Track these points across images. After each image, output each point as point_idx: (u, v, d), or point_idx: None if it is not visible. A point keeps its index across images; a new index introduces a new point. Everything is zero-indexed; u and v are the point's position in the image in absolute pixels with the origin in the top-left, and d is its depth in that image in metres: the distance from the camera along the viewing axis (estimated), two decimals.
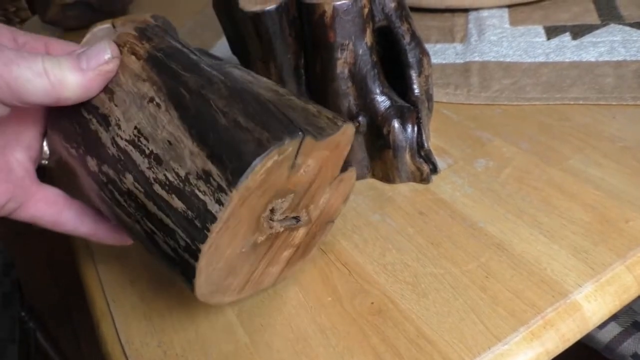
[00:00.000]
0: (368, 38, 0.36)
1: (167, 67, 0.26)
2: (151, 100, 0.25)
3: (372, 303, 0.30)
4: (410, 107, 0.38)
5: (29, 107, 0.27)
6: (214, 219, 0.22)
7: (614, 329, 0.60)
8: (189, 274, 0.24)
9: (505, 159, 0.39)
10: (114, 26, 0.53)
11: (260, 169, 0.23)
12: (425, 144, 0.38)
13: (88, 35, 0.51)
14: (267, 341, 0.30)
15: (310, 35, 0.36)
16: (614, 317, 0.60)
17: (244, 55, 0.44)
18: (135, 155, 0.25)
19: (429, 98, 0.40)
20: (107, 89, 0.26)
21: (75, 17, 0.75)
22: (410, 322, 0.29)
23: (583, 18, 0.57)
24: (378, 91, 0.37)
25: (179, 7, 0.82)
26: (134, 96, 0.26)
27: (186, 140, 0.24)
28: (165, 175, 0.24)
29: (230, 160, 0.22)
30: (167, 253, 0.25)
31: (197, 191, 0.23)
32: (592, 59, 0.49)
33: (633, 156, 0.38)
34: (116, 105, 0.26)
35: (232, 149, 0.23)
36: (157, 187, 0.24)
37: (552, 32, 0.55)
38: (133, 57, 0.27)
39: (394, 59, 0.39)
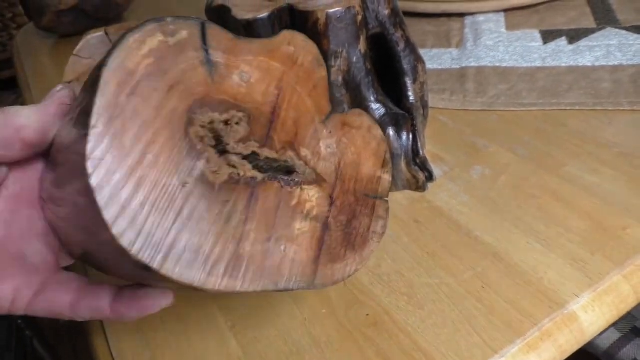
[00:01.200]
0: (362, 45, 0.36)
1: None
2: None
3: (368, 315, 0.30)
4: (405, 115, 0.38)
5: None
6: (90, 106, 0.19)
7: (613, 335, 0.60)
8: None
9: (501, 166, 0.39)
10: (107, 34, 0.53)
11: (138, 48, 0.20)
12: (421, 152, 0.38)
13: (81, 43, 0.51)
14: (261, 354, 0.29)
15: None
16: (614, 323, 0.59)
17: None
18: None
19: (425, 105, 0.39)
20: None
21: (70, 23, 0.75)
22: (406, 334, 0.28)
23: (579, 22, 0.56)
24: (372, 99, 0.37)
25: (173, 14, 0.82)
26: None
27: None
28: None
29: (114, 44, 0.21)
30: None
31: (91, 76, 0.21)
32: (589, 64, 0.49)
33: (629, 162, 0.37)
34: None
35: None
36: None
37: (548, 36, 0.55)
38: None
39: (388, 66, 0.38)
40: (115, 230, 0.19)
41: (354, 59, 0.36)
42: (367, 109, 0.37)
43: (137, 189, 0.20)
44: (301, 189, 0.25)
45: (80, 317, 0.25)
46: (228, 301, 0.32)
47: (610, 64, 0.48)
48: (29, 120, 0.23)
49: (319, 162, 0.25)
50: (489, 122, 0.44)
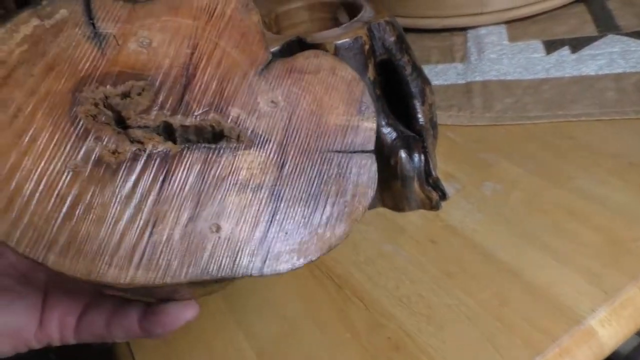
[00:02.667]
0: (370, 73, 0.37)
1: None
2: None
3: (389, 338, 0.31)
4: (415, 137, 0.39)
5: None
6: None
7: (633, 341, 0.60)
8: None
9: (512, 182, 0.40)
10: None
11: (10, 37, 0.20)
12: (433, 172, 0.39)
13: None
14: None
15: None
16: None
17: None
18: None
19: (434, 126, 0.40)
20: None
21: None
22: (428, 356, 0.29)
23: (581, 30, 0.57)
24: (383, 123, 0.38)
25: None
26: None
27: None
28: None
29: None
30: None
31: None
32: (592, 73, 0.50)
33: (638, 172, 0.38)
34: None
35: None
36: None
37: (550, 46, 0.56)
38: None
39: (396, 90, 0.39)
40: None
41: None
42: (378, 134, 0.38)
43: (21, 184, 0.19)
44: (234, 156, 0.21)
45: (116, 337, 0.25)
46: (254, 328, 0.33)
47: (613, 72, 0.49)
48: None
49: (258, 121, 0.22)
50: (497, 136, 0.45)
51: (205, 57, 0.22)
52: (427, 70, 0.50)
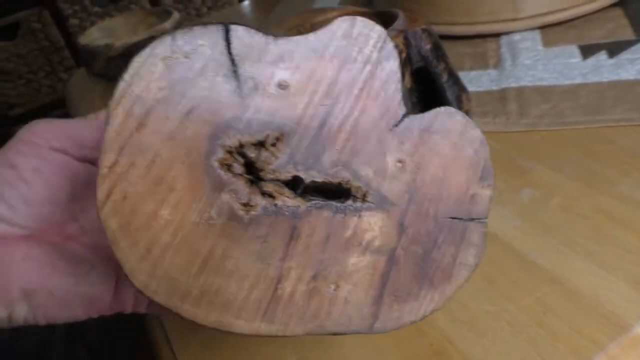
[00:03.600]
0: (407, 81, 0.37)
1: None
2: None
3: (431, 345, 0.31)
4: None
5: None
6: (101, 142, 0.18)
7: None
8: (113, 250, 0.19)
9: (551, 188, 0.40)
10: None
11: (147, 71, 0.18)
12: None
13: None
14: None
15: None
16: None
17: None
18: None
19: None
20: None
21: (119, 68, 0.80)
22: None
23: (618, 34, 0.56)
24: None
25: None
26: None
27: None
28: None
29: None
30: None
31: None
32: (632, 77, 0.49)
33: None
34: None
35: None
36: None
37: (587, 51, 0.55)
38: None
39: (433, 98, 0.39)
40: (136, 283, 0.18)
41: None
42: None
43: (158, 234, 0.18)
44: (359, 216, 0.21)
45: None
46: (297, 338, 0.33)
47: None
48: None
49: (384, 181, 0.21)
50: (534, 142, 0.45)
51: (342, 108, 0.20)
52: (461, 76, 0.50)
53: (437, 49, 0.38)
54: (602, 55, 0.54)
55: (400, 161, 0.21)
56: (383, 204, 0.21)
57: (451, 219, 0.21)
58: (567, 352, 0.28)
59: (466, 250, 0.22)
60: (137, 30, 0.85)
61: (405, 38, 0.37)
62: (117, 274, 0.26)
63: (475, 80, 0.56)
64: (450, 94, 0.39)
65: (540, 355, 0.29)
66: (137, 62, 0.18)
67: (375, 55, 0.20)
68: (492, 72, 0.57)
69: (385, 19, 0.42)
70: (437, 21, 0.64)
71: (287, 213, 0.20)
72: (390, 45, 0.21)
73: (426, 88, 0.39)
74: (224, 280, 0.19)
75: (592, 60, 0.53)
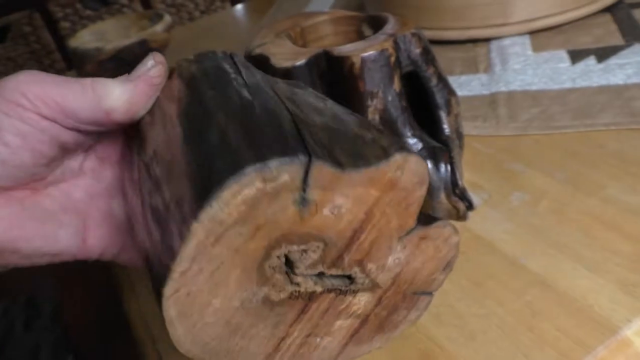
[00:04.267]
0: (396, 84, 0.37)
1: (197, 86, 0.25)
2: (171, 118, 0.24)
3: (419, 348, 0.30)
4: (442, 147, 0.39)
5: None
6: (173, 256, 0.20)
7: None
8: (166, 326, 0.21)
9: (540, 191, 0.40)
10: None
11: (233, 198, 0.19)
12: (460, 182, 0.39)
13: None
14: None
15: (341, 86, 0.37)
16: None
17: None
18: (145, 179, 0.24)
19: (460, 136, 0.40)
20: (151, 112, 0.26)
21: (110, 70, 0.79)
22: None
23: (606, 40, 0.57)
24: (409, 134, 0.38)
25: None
26: (163, 117, 0.25)
27: (181, 159, 0.22)
28: (156, 200, 0.22)
29: (200, 185, 0.20)
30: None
31: (171, 221, 0.21)
32: (620, 82, 0.49)
33: None
34: (151, 130, 0.25)
35: (208, 170, 0.20)
36: (149, 214, 0.23)
37: (576, 56, 0.56)
38: (179, 79, 0.26)
39: (422, 101, 0.40)
40: (181, 349, 0.22)
41: (390, 98, 0.37)
42: (404, 144, 0.38)
43: (204, 316, 0.22)
44: (354, 295, 0.25)
45: None
46: None
47: None
48: (118, 103, 0.25)
49: (381, 273, 0.25)
50: (523, 146, 0.45)
51: (372, 223, 0.23)
52: (451, 81, 0.50)
53: (426, 53, 0.38)
54: (591, 60, 0.54)
55: (397, 259, 0.25)
56: (374, 288, 0.25)
57: (413, 294, 0.26)
58: (555, 355, 0.28)
59: (414, 312, 0.27)
60: (128, 33, 0.85)
61: (395, 42, 0.37)
62: (85, 228, 0.27)
63: (465, 85, 0.56)
64: (439, 98, 0.39)
65: (528, 358, 0.28)
66: (227, 189, 0.19)
67: (413, 182, 0.23)
68: (483, 77, 0.57)
69: (375, 23, 0.42)
70: (428, 26, 0.64)
71: (305, 296, 0.24)
72: (424, 173, 0.23)
73: (416, 92, 0.39)
74: (245, 342, 0.23)
75: (581, 65, 0.54)
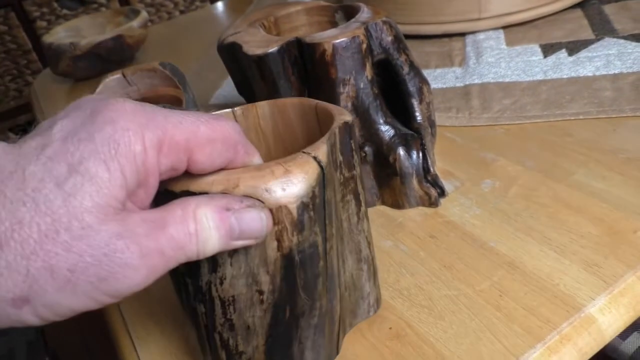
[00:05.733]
0: (368, 72, 0.38)
1: (293, 277, 0.25)
2: (260, 293, 0.25)
3: (390, 328, 0.31)
4: (414, 135, 0.39)
5: None
6: None
7: (637, 340, 0.59)
8: None
9: (511, 178, 0.40)
10: (124, 75, 0.55)
11: None
12: (431, 169, 0.39)
13: (100, 87, 0.53)
14: None
15: (313, 73, 0.38)
16: (636, 327, 0.59)
17: (249, 95, 0.45)
18: (218, 310, 0.26)
19: (432, 124, 0.41)
20: None
21: (85, 67, 0.78)
22: (429, 345, 0.29)
23: (578, 34, 0.58)
24: (381, 121, 0.39)
25: (182, 51, 0.85)
26: (250, 274, 0.25)
27: (259, 338, 0.26)
28: (228, 338, 0.26)
29: None
30: None
31: None
32: (590, 74, 0.51)
33: (637, 167, 0.38)
34: (231, 265, 0.24)
35: None
36: (216, 335, 0.26)
37: (548, 49, 0.57)
38: (275, 244, 0.24)
39: (395, 90, 0.40)
40: None
41: (362, 85, 0.38)
42: (377, 131, 0.39)
43: None
44: None
45: None
46: None
47: (610, 72, 0.50)
48: (202, 257, 0.23)
49: None
50: (495, 136, 0.46)
51: None
52: (426, 74, 0.51)
53: (398, 41, 0.39)
54: (562, 54, 0.55)
55: None
56: None
57: None
58: (521, 332, 0.29)
59: None
60: (104, 29, 0.84)
61: (367, 30, 0.38)
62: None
63: (440, 78, 0.57)
64: (411, 85, 0.39)
65: (495, 335, 0.29)
66: None
67: None
68: (457, 70, 0.58)
69: (348, 12, 0.43)
70: (405, 21, 0.65)
71: None
72: None
73: (388, 79, 0.40)
74: None
75: (552, 58, 0.55)
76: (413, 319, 0.31)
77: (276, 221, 0.23)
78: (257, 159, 0.25)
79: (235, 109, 0.31)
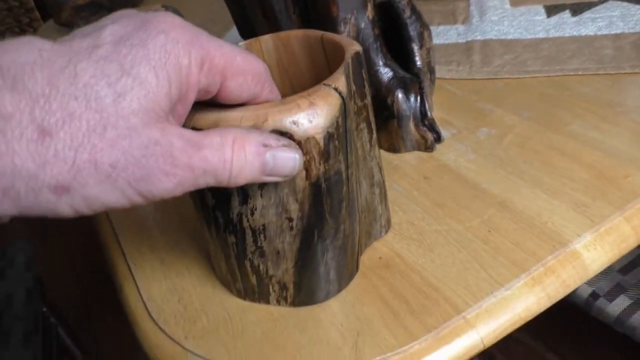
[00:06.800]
0: (369, 12, 0.38)
1: (321, 204, 0.26)
2: (290, 220, 0.26)
3: (380, 258, 0.31)
4: (412, 78, 0.39)
5: None
6: (268, 302, 0.29)
7: (623, 302, 0.61)
8: None
9: (507, 127, 0.41)
10: None
11: None
12: (429, 113, 0.40)
13: None
14: None
15: (314, 11, 0.38)
16: (623, 290, 0.60)
17: (252, 37, 0.45)
18: (249, 239, 0.27)
19: (431, 70, 0.41)
20: None
21: (87, 17, 0.78)
22: (417, 273, 0.30)
23: None
24: (381, 63, 0.39)
25: (186, 3, 0.85)
26: (280, 203, 0.25)
27: (289, 262, 0.28)
28: (258, 264, 0.28)
29: (304, 294, 0.29)
30: None
31: (271, 289, 0.29)
32: (591, 33, 0.51)
33: (632, 119, 0.39)
34: (261, 196, 0.25)
35: (309, 289, 0.29)
36: (247, 262, 0.28)
37: (552, 10, 0.56)
38: (303, 173, 0.25)
39: (396, 35, 0.40)
40: None
41: (362, 25, 0.38)
42: (376, 73, 0.39)
43: None
44: None
45: None
46: None
47: (612, 32, 0.50)
48: (233, 184, 0.23)
49: None
50: (495, 89, 0.46)
51: None
52: None
53: None
54: (565, 14, 0.55)
55: None
56: None
57: None
58: (507, 263, 0.30)
59: None
60: None
61: None
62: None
63: (442, 34, 0.57)
64: (412, 30, 0.39)
65: (481, 265, 0.30)
66: None
67: None
68: (460, 27, 0.57)
69: None
70: None
71: None
72: None
73: (390, 24, 0.40)
74: None
75: (555, 18, 0.55)
76: (403, 250, 0.32)
77: (304, 152, 0.24)
78: (275, 95, 0.26)
79: (240, 44, 0.31)
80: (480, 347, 0.27)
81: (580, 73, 0.46)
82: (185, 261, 0.34)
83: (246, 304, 0.30)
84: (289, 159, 0.23)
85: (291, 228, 0.26)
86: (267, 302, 0.30)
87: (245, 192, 0.25)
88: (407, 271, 0.30)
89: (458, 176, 0.37)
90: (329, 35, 0.29)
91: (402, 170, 0.38)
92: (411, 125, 0.39)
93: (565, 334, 0.94)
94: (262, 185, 0.25)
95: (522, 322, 0.28)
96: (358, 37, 0.38)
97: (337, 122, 0.25)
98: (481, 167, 0.37)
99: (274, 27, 0.39)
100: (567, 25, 0.53)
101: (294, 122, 0.23)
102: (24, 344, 0.77)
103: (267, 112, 0.23)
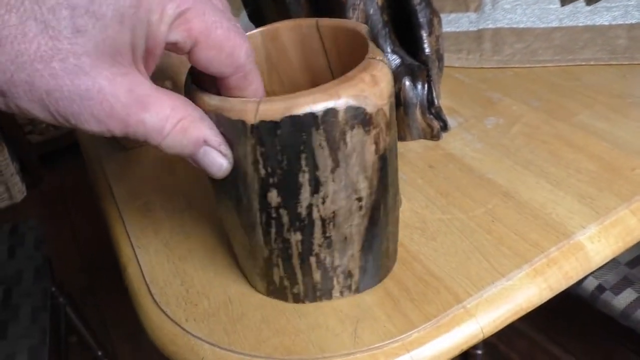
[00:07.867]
0: None
1: (386, 175, 0.26)
2: (359, 200, 0.26)
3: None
4: (420, 66, 0.39)
5: None
6: (330, 297, 0.29)
7: (630, 295, 0.60)
8: None
9: (515, 117, 0.40)
10: None
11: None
12: (436, 102, 0.39)
13: None
14: None
15: None
16: (629, 284, 0.60)
17: (261, 22, 0.45)
18: (317, 232, 0.26)
19: (440, 58, 0.41)
20: (335, 158, 0.24)
21: None
22: (418, 261, 0.30)
23: None
24: (389, 49, 0.38)
25: None
26: (349, 185, 0.25)
27: (356, 245, 0.27)
28: (325, 257, 0.27)
29: (368, 275, 0.28)
30: None
31: (335, 281, 0.28)
32: (606, 23, 0.50)
33: None
34: (333, 181, 0.25)
35: (374, 269, 0.28)
36: (312, 258, 0.27)
37: None
38: (373, 147, 0.25)
39: (405, 21, 0.40)
40: None
41: (371, 11, 0.37)
42: None
43: None
44: None
45: None
46: None
47: (627, 22, 0.49)
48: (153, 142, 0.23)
49: None
50: (504, 78, 0.45)
51: None
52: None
53: None
54: (580, 3, 0.54)
55: None
56: None
57: None
58: (509, 253, 0.29)
59: None
60: None
61: None
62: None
63: (454, 22, 0.56)
64: (421, 17, 0.39)
65: (484, 255, 0.30)
66: None
67: None
68: (472, 15, 0.57)
69: None
70: None
71: None
72: None
73: (399, 11, 0.39)
74: None
75: (569, 7, 0.54)
76: (405, 238, 0.32)
77: (375, 124, 0.24)
78: (254, 87, 0.25)
79: None
80: (479, 337, 0.27)
81: (592, 63, 0.45)
82: (189, 245, 0.34)
83: (247, 288, 0.31)
84: (216, 164, 0.24)
85: (360, 208, 0.26)
86: (330, 297, 0.29)
87: (317, 181, 0.24)
88: (408, 259, 0.30)
89: (463, 165, 0.36)
90: (324, 20, 0.29)
91: (407, 158, 0.38)
92: (417, 113, 0.39)
93: (569, 327, 0.94)
94: (334, 169, 0.24)
95: (522, 313, 0.28)
96: (367, 23, 0.37)
97: (392, 92, 0.25)
98: (487, 157, 0.37)
99: (283, 12, 0.39)
100: (581, 14, 0.52)
101: (365, 97, 0.23)
102: (32, 319, 0.78)
103: (337, 89, 0.23)
